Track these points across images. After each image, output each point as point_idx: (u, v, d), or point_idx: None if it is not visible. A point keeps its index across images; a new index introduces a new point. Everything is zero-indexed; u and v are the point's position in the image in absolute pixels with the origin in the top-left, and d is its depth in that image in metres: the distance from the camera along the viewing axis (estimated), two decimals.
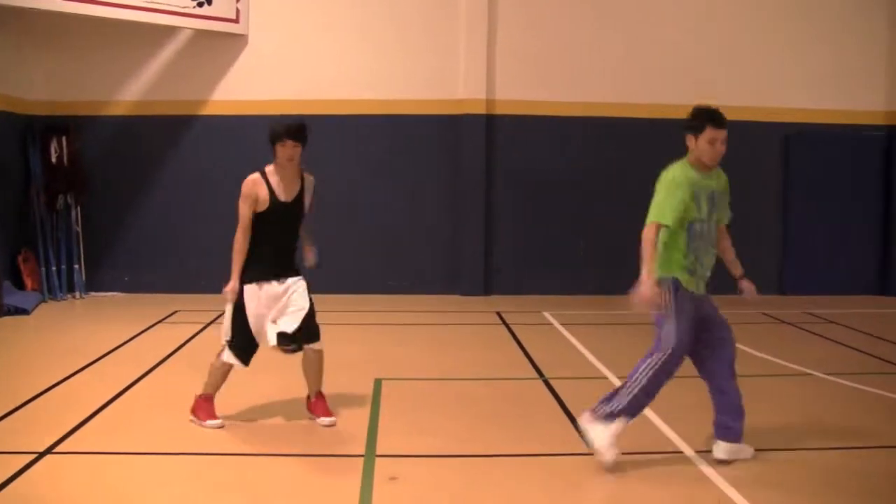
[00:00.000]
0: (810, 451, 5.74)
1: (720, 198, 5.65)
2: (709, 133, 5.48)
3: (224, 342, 6.14)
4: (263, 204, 6.04)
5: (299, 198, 6.23)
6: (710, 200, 5.52)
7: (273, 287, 6.10)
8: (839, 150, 12.89)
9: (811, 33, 12.81)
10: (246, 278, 6.04)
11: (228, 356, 6.14)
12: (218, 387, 6.27)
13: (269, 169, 6.14)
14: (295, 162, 6.14)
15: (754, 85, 12.78)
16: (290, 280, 6.22)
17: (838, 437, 6.04)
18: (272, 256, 6.13)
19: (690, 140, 5.55)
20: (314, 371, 6.33)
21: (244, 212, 6.07)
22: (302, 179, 6.28)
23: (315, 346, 6.26)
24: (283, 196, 6.11)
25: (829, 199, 12.90)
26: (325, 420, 6.21)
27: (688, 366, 8.15)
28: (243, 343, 6.10)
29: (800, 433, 6.11)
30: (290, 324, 6.07)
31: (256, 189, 6.05)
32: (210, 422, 6.13)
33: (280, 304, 6.11)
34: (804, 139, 12.82)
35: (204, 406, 6.21)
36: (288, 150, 6.05)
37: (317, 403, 6.34)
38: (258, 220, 6.06)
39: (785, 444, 5.85)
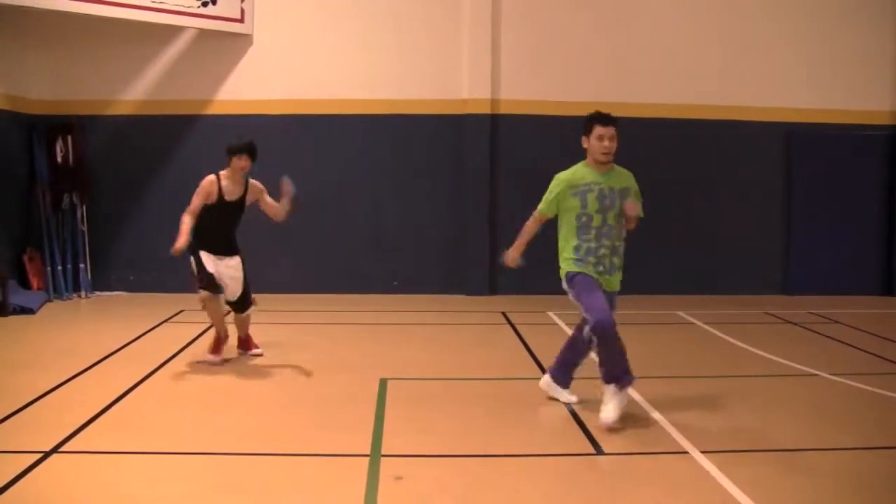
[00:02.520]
0: (816, 451, 5.73)
1: (617, 195, 6.21)
2: (596, 130, 6.18)
3: (198, 289, 7.88)
4: (213, 200, 7.85)
5: (241, 198, 8.04)
6: (600, 197, 6.15)
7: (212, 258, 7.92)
8: (843, 150, 12.87)
9: (814, 32, 12.79)
10: (198, 248, 7.84)
11: (203, 293, 7.86)
12: (221, 327, 8.09)
13: (223, 173, 7.95)
14: (245, 171, 8.00)
15: (757, 84, 12.78)
16: (228, 258, 8.00)
17: (844, 437, 6.03)
18: (213, 238, 7.91)
19: (584, 141, 6.31)
20: (242, 324, 8.39)
21: (196, 203, 7.82)
22: (246, 184, 8.08)
23: (245, 313, 8.28)
24: (228, 196, 7.93)
25: (833, 199, 12.89)
26: (255, 351, 8.42)
27: (693, 367, 8.18)
28: (208, 278, 7.80)
29: (805, 434, 6.10)
30: (232, 295, 8.06)
31: (212, 188, 7.86)
32: (212, 357, 8.04)
33: (220, 269, 7.91)
34: (807, 138, 12.81)
35: (213, 347, 8.12)
36: (243, 162, 7.90)
37: (246, 341, 8.45)
38: (206, 210, 7.83)
39: (790, 445, 5.84)
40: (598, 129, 6.16)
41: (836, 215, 12.90)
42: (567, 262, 6.26)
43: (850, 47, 12.85)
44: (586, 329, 6.08)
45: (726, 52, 12.74)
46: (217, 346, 8.12)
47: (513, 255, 6.51)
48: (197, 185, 7.90)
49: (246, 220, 12.39)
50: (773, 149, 12.91)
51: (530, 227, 6.48)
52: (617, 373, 6.08)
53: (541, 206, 6.41)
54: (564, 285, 6.34)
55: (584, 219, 6.16)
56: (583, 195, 6.15)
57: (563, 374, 6.70)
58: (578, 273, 6.17)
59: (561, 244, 6.34)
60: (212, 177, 7.92)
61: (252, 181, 8.14)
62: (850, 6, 12.85)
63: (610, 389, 6.10)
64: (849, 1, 12.87)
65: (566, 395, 6.67)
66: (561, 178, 6.31)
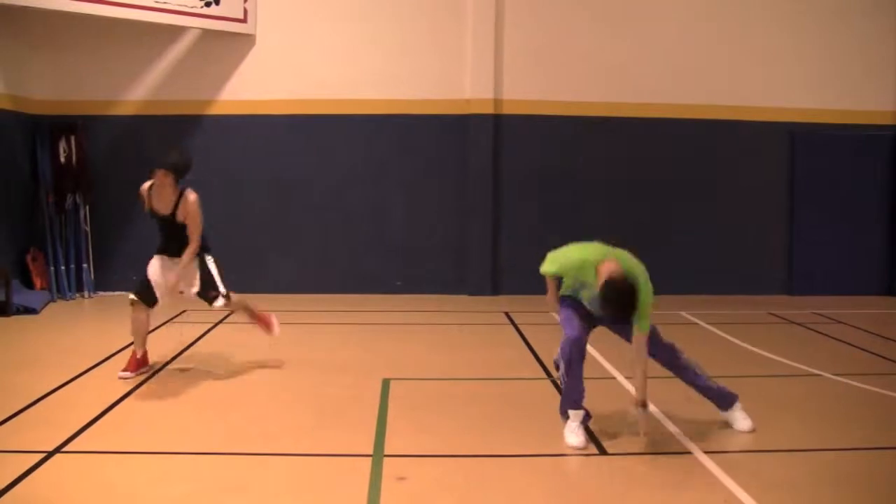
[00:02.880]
0: (818, 451, 5.73)
1: None
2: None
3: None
4: (145, 209, 7.63)
5: (172, 215, 7.51)
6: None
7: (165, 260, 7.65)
8: (846, 150, 12.86)
9: (817, 32, 12.78)
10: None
11: (131, 296, 7.60)
12: (138, 342, 7.66)
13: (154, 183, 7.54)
14: (164, 188, 7.47)
15: (760, 84, 12.78)
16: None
17: (847, 437, 6.02)
18: (165, 242, 7.68)
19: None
20: (240, 312, 8.26)
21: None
22: (178, 200, 7.52)
23: (213, 305, 7.72)
24: (157, 209, 7.56)
25: (837, 199, 12.87)
26: (274, 329, 8.28)
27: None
28: (143, 283, 7.54)
29: (808, 434, 6.09)
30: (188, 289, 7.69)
31: (142, 195, 7.62)
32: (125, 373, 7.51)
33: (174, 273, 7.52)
34: (810, 138, 12.79)
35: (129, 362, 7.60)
36: (158, 177, 7.40)
37: (260, 317, 8.28)
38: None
39: (793, 445, 5.84)
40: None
41: (839, 215, 12.88)
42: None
43: (854, 48, 12.84)
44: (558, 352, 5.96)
45: (729, 53, 12.73)
46: (131, 360, 7.56)
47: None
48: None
49: (249, 221, 12.52)
50: (776, 149, 12.89)
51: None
52: (575, 403, 5.82)
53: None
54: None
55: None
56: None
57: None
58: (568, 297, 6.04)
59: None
60: (145, 184, 7.58)
61: (188, 197, 7.49)
62: (853, 7, 12.83)
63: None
64: (852, 2, 12.85)
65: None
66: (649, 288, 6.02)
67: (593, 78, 12.54)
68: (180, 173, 7.45)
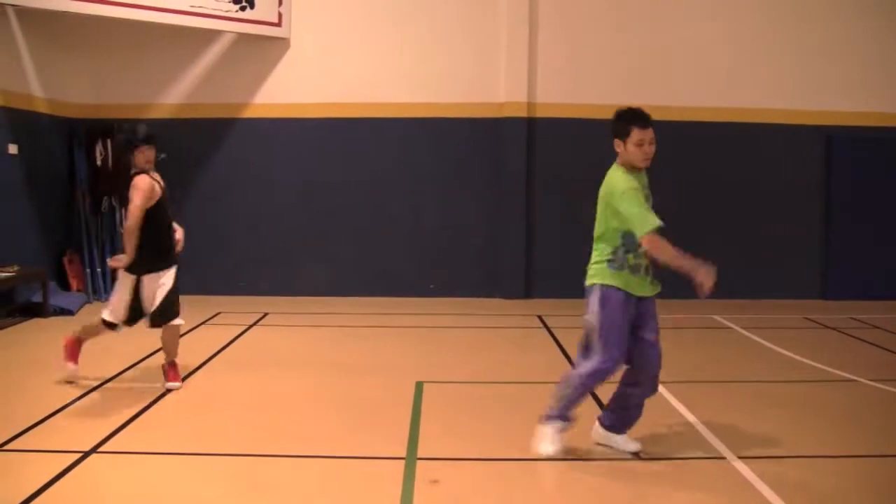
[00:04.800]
0: (854, 458, 5.67)
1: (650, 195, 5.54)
2: (636, 135, 5.41)
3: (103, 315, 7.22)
4: (157, 197, 7.05)
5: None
6: (647, 198, 5.45)
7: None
8: (883, 153, 12.70)
9: (855, 33, 12.61)
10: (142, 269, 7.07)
11: (105, 322, 7.24)
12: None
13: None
14: (152, 165, 7.11)
15: (797, 87, 12.64)
16: (168, 271, 7.20)
17: (883, 444, 5.96)
18: (162, 247, 7.19)
19: (618, 145, 5.51)
20: (166, 344, 7.32)
21: (139, 205, 6.92)
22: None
23: (161, 327, 7.21)
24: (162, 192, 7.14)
25: (873, 203, 12.71)
26: (172, 384, 7.17)
27: (730, 371, 8.10)
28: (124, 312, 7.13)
29: (845, 440, 6.03)
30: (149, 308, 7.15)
31: (153, 185, 7.01)
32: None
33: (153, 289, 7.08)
34: (848, 141, 12.66)
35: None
36: (151, 153, 7.05)
37: (170, 369, 7.30)
38: (150, 214, 7.02)
39: (830, 451, 5.78)
40: (638, 134, 5.39)
41: (876, 219, 12.72)
42: (601, 272, 5.37)
43: (892, 49, 12.70)
44: (584, 368, 5.39)
45: (766, 55, 12.62)
46: (174, 369, 7.30)
47: (704, 268, 5.07)
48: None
49: (283, 223, 12.57)
50: (813, 152, 12.77)
51: (666, 245, 5.16)
52: (567, 413, 5.51)
53: (651, 219, 5.20)
54: (593, 299, 5.38)
55: None
56: (647, 200, 5.40)
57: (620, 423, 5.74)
58: (612, 288, 5.31)
59: (599, 244, 5.44)
60: (144, 175, 6.98)
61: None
62: (893, 7, 12.68)
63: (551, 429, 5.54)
64: (891, 3, 12.71)
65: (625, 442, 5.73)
66: (635, 183, 5.39)
67: (626, 80, 12.47)
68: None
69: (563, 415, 5.52)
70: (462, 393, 7.32)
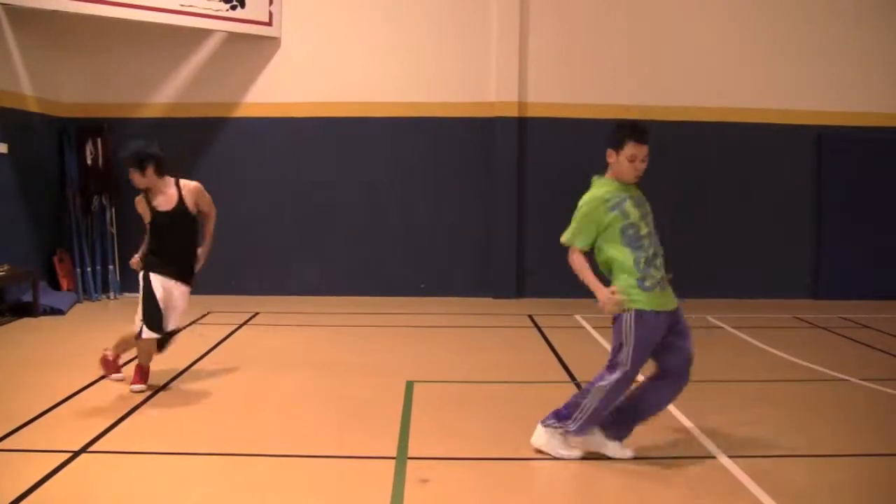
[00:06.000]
0: (845, 457, 5.68)
1: (646, 202, 5.48)
2: (629, 149, 5.29)
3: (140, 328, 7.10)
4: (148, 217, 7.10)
5: (179, 206, 7.10)
6: (639, 204, 5.37)
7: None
8: (874, 153, 12.74)
9: (845, 34, 12.64)
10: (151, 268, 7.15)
11: (148, 335, 7.13)
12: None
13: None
14: (139, 186, 7.09)
15: (786, 87, 12.67)
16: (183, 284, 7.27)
17: (873, 443, 5.97)
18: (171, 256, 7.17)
19: (611, 155, 5.39)
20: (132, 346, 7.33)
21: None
22: (179, 190, 7.14)
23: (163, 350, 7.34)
24: (161, 207, 7.06)
25: (864, 202, 12.73)
26: (116, 376, 7.35)
27: (721, 371, 8.11)
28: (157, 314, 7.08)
29: (837, 439, 6.04)
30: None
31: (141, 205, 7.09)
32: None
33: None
34: (838, 141, 12.69)
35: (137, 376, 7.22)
36: (135, 178, 7.02)
37: (115, 361, 7.41)
38: (151, 225, 7.13)
39: (819, 450, 5.79)
40: (632, 148, 5.26)
41: (866, 219, 12.74)
42: (633, 290, 5.23)
43: (882, 49, 12.72)
44: (611, 378, 5.31)
45: (757, 55, 12.65)
46: (140, 371, 7.20)
47: (607, 292, 5.26)
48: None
49: (274, 223, 12.55)
50: (803, 152, 12.80)
51: (584, 264, 5.40)
52: (582, 432, 5.46)
53: (577, 237, 5.40)
54: (629, 320, 5.24)
55: (630, 230, 5.28)
56: (620, 206, 5.28)
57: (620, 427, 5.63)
58: (647, 311, 5.22)
59: (615, 270, 5.35)
60: (138, 198, 7.13)
61: (186, 185, 7.15)
62: (882, 8, 12.70)
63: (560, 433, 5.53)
64: (881, 3, 12.74)
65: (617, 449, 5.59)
66: (596, 196, 5.34)
67: (618, 81, 12.50)
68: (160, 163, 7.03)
69: (583, 428, 5.46)
70: (453, 392, 7.31)
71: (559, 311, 11.17)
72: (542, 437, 5.58)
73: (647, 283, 5.23)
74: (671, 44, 12.59)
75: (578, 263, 5.39)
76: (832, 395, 7.35)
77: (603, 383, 5.32)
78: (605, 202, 5.29)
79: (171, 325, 7.13)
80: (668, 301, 5.33)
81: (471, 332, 10.25)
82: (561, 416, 5.49)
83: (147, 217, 7.06)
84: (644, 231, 5.31)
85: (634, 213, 5.30)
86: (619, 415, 5.49)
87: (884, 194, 12.77)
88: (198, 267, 7.30)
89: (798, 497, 4.91)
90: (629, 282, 5.25)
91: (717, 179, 12.74)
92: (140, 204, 7.08)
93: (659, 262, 5.35)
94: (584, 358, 8.47)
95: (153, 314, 6.95)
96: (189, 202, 7.08)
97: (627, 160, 5.29)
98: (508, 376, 7.88)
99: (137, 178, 6.95)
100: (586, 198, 5.39)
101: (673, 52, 12.58)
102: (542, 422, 5.59)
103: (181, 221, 7.08)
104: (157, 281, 6.98)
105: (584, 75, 12.57)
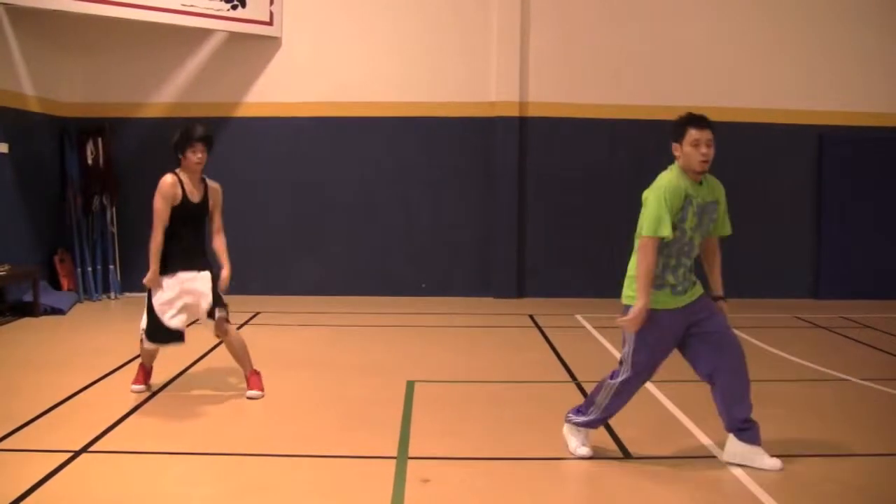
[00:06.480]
0: (845, 456, 5.68)
1: (712, 209, 5.52)
2: (691, 135, 5.28)
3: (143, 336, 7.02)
4: (177, 202, 6.76)
5: (203, 202, 6.99)
6: (698, 212, 5.38)
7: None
8: (875, 152, 12.74)
9: (846, 34, 12.65)
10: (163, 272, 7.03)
11: (149, 344, 7.04)
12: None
13: (180, 171, 6.84)
14: (202, 165, 6.85)
15: (786, 87, 12.68)
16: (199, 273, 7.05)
17: (877, 443, 5.97)
18: (184, 251, 6.98)
19: (676, 149, 5.37)
20: (233, 348, 7.19)
21: (160, 208, 6.79)
22: (206, 186, 7.01)
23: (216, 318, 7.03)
24: (191, 198, 6.85)
25: (865, 202, 12.74)
26: (253, 393, 6.97)
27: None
28: (162, 328, 6.94)
29: (837, 439, 6.04)
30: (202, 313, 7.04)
31: (174, 189, 6.73)
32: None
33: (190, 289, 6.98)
34: (839, 141, 12.69)
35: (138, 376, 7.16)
36: (199, 154, 6.76)
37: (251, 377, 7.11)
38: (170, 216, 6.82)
39: (819, 450, 5.80)
40: (694, 134, 5.27)
41: (867, 218, 12.75)
42: (634, 286, 5.25)
43: (882, 49, 12.72)
44: (618, 376, 5.36)
45: (757, 56, 12.65)
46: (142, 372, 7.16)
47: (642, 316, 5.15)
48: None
49: (275, 222, 12.56)
50: (804, 151, 12.80)
51: (654, 261, 5.21)
52: (594, 426, 5.56)
53: (660, 226, 5.21)
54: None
55: (676, 233, 5.26)
56: (686, 209, 5.29)
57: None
58: (663, 313, 5.26)
59: (633, 264, 5.36)
60: (170, 176, 6.75)
61: (211, 183, 7.08)
62: (883, 8, 12.70)
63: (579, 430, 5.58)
64: (881, 3, 12.73)
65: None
66: (675, 187, 5.29)
67: (618, 81, 12.50)
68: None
69: (593, 424, 5.55)
70: (453, 392, 7.31)
71: (560, 311, 11.17)
72: (565, 431, 5.65)
73: (655, 283, 5.23)
74: (671, 44, 12.59)
75: (650, 261, 5.18)
76: (833, 394, 7.35)
77: (611, 381, 5.38)
78: (686, 196, 5.29)
79: (193, 317, 7.03)
80: (678, 299, 5.34)
81: (471, 331, 10.24)
82: (577, 411, 5.57)
83: (174, 202, 6.70)
84: (687, 239, 5.33)
85: (691, 221, 5.33)
86: (744, 423, 5.38)
87: (884, 194, 12.76)
88: (221, 287, 7.11)
89: (799, 497, 4.90)
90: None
91: (719, 179, 12.68)
92: (174, 187, 6.69)
93: (682, 272, 5.36)
94: (584, 358, 8.48)
95: (155, 329, 6.87)
96: (211, 199, 7.01)
97: (691, 145, 5.27)
98: (509, 376, 7.87)
99: (201, 157, 6.74)
100: (663, 182, 5.30)
101: (673, 52, 12.58)
102: (565, 416, 5.65)
103: (202, 216, 7.01)
104: (174, 282, 6.95)
105: (584, 75, 12.57)
